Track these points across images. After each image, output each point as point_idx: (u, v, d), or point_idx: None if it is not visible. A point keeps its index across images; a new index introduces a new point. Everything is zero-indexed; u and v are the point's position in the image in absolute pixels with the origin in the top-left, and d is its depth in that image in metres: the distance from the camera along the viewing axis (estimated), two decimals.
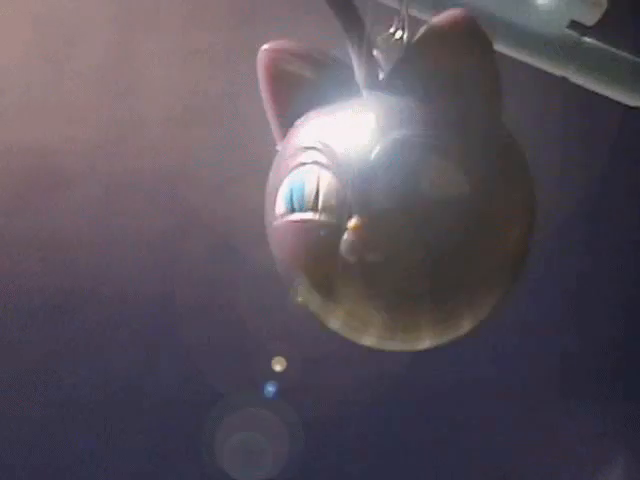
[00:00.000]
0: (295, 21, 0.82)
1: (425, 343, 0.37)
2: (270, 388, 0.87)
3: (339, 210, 0.35)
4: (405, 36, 0.38)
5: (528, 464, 0.90)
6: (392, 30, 0.38)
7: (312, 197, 0.35)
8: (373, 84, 0.37)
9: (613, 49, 0.44)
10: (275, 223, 0.37)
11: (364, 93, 0.37)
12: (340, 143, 0.35)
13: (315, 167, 0.35)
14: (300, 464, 0.88)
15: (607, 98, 0.45)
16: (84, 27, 0.87)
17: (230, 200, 0.87)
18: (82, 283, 0.87)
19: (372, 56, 0.37)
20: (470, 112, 0.36)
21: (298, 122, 0.38)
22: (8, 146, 0.86)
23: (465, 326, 0.37)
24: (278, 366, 0.87)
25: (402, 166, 0.34)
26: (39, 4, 0.86)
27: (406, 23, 0.38)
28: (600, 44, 0.44)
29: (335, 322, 0.37)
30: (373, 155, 0.34)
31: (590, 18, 0.43)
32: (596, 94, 0.45)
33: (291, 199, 0.36)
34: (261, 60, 0.38)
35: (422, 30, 0.36)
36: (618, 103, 0.45)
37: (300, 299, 0.37)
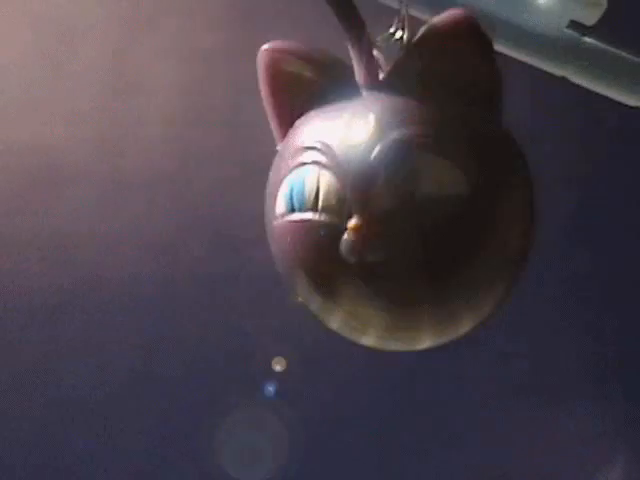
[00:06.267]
0: (295, 21, 0.82)
1: (425, 343, 0.37)
2: (270, 388, 0.87)
3: (339, 210, 0.35)
4: (405, 36, 0.38)
5: (528, 464, 0.90)
6: (392, 30, 0.38)
7: (312, 197, 0.35)
8: (373, 84, 0.37)
9: (613, 49, 0.44)
10: (275, 223, 0.37)
11: (364, 93, 0.37)
12: (340, 143, 0.35)
13: (315, 167, 0.35)
14: (300, 464, 0.88)
15: (607, 98, 0.45)
16: (84, 27, 0.87)
17: (230, 200, 0.87)
18: (82, 283, 0.87)
19: (372, 56, 0.37)
20: (470, 112, 0.36)
21: (298, 122, 0.38)
22: (8, 145, 0.86)
23: (465, 326, 0.37)
24: (278, 366, 0.87)
25: (402, 166, 0.34)
26: (38, 4, 0.86)
27: (406, 23, 0.38)
28: (600, 44, 0.44)
29: (335, 322, 0.37)
30: (373, 155, 0.34)
31: (590, 18, 0.43)
32: (596, 94, 0.45)
33: (291, 199, 0.36)
34: (261, 60, 0.38)
35: (422, 30, 0.36)
36: (618, 103, 0.45)
37: (300, 299, 0.37)
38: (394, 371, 0.87)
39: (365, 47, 0.37)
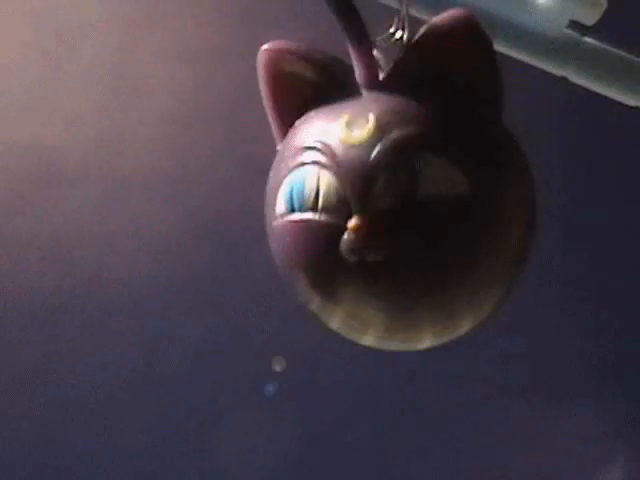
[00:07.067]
0: (295, 21, 0.82)
1: (425, 343, 0.37)
2: (270, 388, 0.87)
3: (339, 210, 0.35)
4: (405, 36, 0.38)
5: (528, 464, 0.90)
6: (392, 30, 0.38)
7: (312, 197, 0.35)
8: (373, 84, 0.37)
9: (613, 49, 0.44)
10: (275, 223, 0.37)
11: (364, 93, 0.37)
12: (340, 143, 0.35)
13: (315, 167, 0.35)
14: (300, 464, 0.88)
15: (607, 98, 0.45)
16: (84, 27, 0.87)
17: (230, 200, 0.87)
18: (82, 283, 0.87)
19: (372, 56, 0.37)
20: (470, 112, 0.36)
21: (298, 122, 0.38)
22: (8, 146, 0.86)
23: (465, 326, 0.37)
24: (278, 366, 0.87)
25: (402, 166, 0.34)
26: (39, 4, 0.86)
27: (406, 23, 0.38)
28: (600, 44, 0.44)
29: (335, 322, 0.37)
30: (373, 155, 0.34)
31: (590, 18, 0.43)
32: (596, 94, 0.45)
33: (291, 199, 0.36)
34: (261, 60, 0.38)
35: (422, 30, 0.36)
36: (618, 103, 0.45)
37: (300, 299, 0.37)
38: (394, 371, 0.87)
39: (365, 47, 0.37)
